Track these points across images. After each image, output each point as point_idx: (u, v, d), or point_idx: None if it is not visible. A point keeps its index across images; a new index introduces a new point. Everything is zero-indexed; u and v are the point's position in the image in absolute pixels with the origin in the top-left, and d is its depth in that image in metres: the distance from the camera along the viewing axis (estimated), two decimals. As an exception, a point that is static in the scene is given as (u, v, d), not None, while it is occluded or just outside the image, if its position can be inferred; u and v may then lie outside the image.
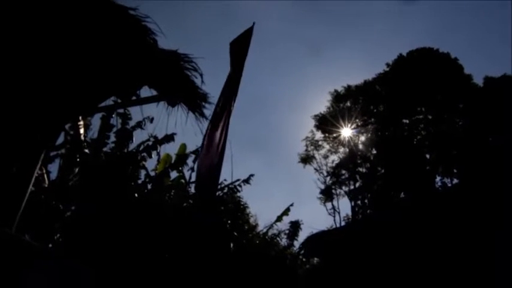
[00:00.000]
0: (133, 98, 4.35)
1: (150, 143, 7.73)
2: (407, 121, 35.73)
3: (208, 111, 4.45)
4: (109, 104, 4.55)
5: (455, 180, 33.41)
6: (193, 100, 4.05)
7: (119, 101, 4.73)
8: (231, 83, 4.84)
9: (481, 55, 52.15)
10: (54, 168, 6.88)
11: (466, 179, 31.38)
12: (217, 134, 4.57)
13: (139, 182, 6.99)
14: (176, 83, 3.88)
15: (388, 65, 37.14)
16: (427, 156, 34.85)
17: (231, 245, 6.04)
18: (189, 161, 7.93)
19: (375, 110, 37.30)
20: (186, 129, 4.35)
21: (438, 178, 34.00)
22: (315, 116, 38.61)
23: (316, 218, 39.13)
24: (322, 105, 39.31)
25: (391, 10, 51.87)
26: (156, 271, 4.56)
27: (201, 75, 3.99)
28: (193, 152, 7.76)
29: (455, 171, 33.36)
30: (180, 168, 7.95)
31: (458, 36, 53.34)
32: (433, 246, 9.05)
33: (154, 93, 4.17)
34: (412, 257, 9.13)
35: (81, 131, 6.22)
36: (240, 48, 4.99)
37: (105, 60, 3.55)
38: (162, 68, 3.78)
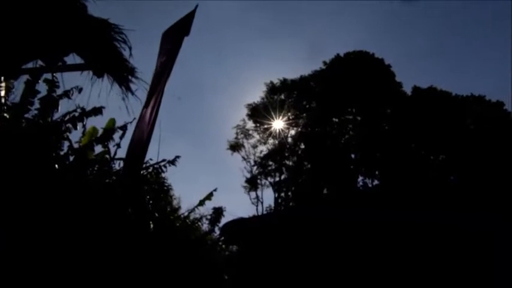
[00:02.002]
0: (60, 64, 4.16)
1: (77, 114, 7.39)
2: (337, 120, 36.69)
3: (136, 86, 4.34)
4: (33, 67, 4.32)
5: (376, 182, 34.83)
6: (120, 72, 3.92)
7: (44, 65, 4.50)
8: (166, 63, 4.74)
9: (413, 65, 54.49)
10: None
11: (386, 182, 32.89)
12: (148, 111, 4.48)
13: (61, 153, 6.71)
14: (103, 52, 3.74)
15: (325, 63, 37.93)
16: (352, 156, 36.00)
17: (151, 225, 5.96)
18: (116, 137, 7.67)
19: (308, 106, 37.98)
20: (116, 104, 4.23)
21: (360, 178, 35.31)
22: (249, 105, 38.83)
23: (240, 206, 39.40)
24: (257, 95, 39.55)
25: (336, 10, 52.96)
26: (73, 241, 4.42)
27: (130, 48, 3.88)
28: (120, 128, 7.51)
29: (377, 173, 34.71)
30: (106, 143, 7.68)
31: (395, 43, 55.37)
32: (348, 242, 9.39)
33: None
34: (327, 252, 9.42)
35: (2, 93, 5.86)
36: (179, 31, 4.90)
37: (29, 18, 3.36)
38: (89, 35, 3.62)
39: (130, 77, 4.11)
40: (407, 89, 36.76)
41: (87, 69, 4.05)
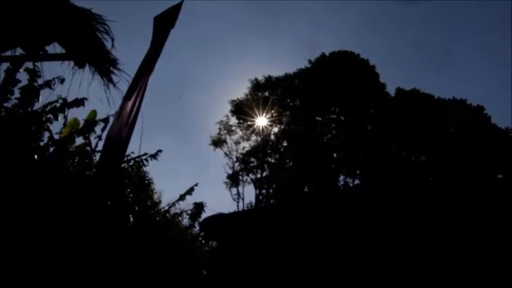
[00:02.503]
0: (41, 53, 4.10)
1: (58, 104, 7.27)
2: (320, 119, 36.82)
3: (118, 78, 4.30)
4: (14, 55, 4.25)
5: (357, 181, 35.08)
6: (102, 63, 3.88)
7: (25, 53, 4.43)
8: (150, 56, 4.69)
9: (396, 66, 54.90)
10: None
11: (367, 182, 33.14)
12: (130, 104, 4.43)
13: (41, 144, 6.60)
14: (85, 42, 3.70)
15: (310, 61, 38.06)
16: (335, 155, 36.17)
17: (131, 218, 5.90)
18: (98, 129, 7.55)
19: (291, 104, 38.05)
20: (97, 96, 4.18)
21: (342, 177, 35.50)
22: (232, 101, 38.77)
23: (221, 202, 39.41)
24: (241, 91, 39.53)
25: (322, 10, 53.08)
26: (49, 232, 4.35)
27: (113, 39, 3.84)
28: (102, 120, 7.41)
29: (358, 172, 34.94)
30: (87, 135, 7.57)
31: (381, 44, 55.71)
32: (327, 238, 9.45)
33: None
34: (304, 247, 9.47)
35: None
36: (164, 24, 4.85)
37: (10, 4, 3.30)
38: (72, 24, 3.57)
39: (112, 69, 4.07)
40: (391, 90, 37.11)
41: (68, 59, 3.99)
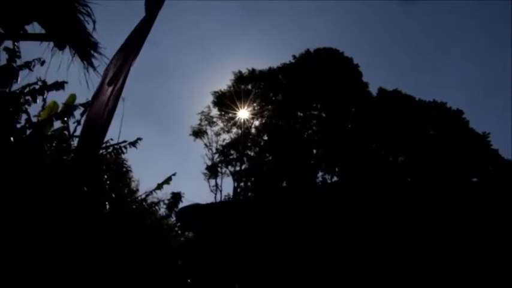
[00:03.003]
0: (21, 32, 3.99)
1: (37, 87, 7.12)
2: (301, 114, 36.91)
3: (98, 62, 4.21)
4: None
5: (335, 178, 35.27)
6: (82, 46, 3.80)
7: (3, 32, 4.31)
8: (135, 38, 4.60)
9: (380, 66, 55.30)
10: None
11: (345, 179, 33.41)
12: (110, 89, 4.34)
13: (18, 126, 6.47)
14: (66, 23, 3.61)
15: (294, 57, 38.11)
16: (314, 151, 36.32)
17: (107, 205, 5.83)
18: (77, 114, 7.43)
19: (274, 98, 38.06)
20: (77, 80, 4.09)
21: (320, 173, 35.68)
22: (215, 92, 38.64)
23: (199, 192, 39.37)
24: (224, 83, 39.42)
25: (315, 6, 53.12)
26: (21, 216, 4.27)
27: (94, 22, 3.76)
28: (82, 105, 7.29)
29: (336, 169, 35.15)
30: (66, 119, 7.44)
31: (366, 43, 56.01)
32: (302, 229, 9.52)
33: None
34: (279, 238, 9.52)
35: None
36: (151, 7, 4.76)
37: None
38: (52, 4, 3.49)
39: (92, 52, 3.99)
40: (373, 89, 37.38)
41: (48, 40, 3.90)
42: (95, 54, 4.03)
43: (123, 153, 7.67)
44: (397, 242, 9.50)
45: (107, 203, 5.87)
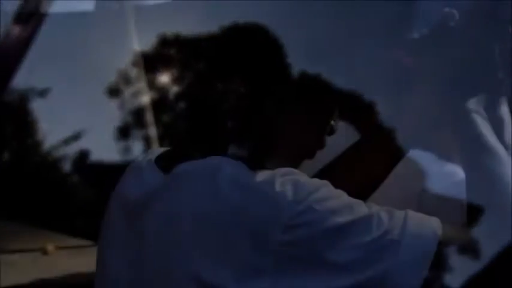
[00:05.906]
0: None
1: None
2: (221, 86, 37.28)
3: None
4: None
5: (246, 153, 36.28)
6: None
7: None
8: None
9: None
10: None
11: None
12: (19, 29, 4.04)
13: None
14: None
15: (222, 27, 38.20)
16: (229, 124, 36.97)
17: (6, 154, 5.57)
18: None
19: (195, 66, 38.00)
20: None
21: (232, 147, 36.42)
22: (136, 52, 37.83)
23: (108, 153, 38.68)
24: (148, 44, 38.62)
25: None
26: None
27: None
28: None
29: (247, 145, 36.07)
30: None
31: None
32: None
33: None
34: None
35: None
36: None
37: None
38: None
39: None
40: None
41: None
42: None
43: (29, 101, 7.31)
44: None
45: (5, 151, 5.61)
